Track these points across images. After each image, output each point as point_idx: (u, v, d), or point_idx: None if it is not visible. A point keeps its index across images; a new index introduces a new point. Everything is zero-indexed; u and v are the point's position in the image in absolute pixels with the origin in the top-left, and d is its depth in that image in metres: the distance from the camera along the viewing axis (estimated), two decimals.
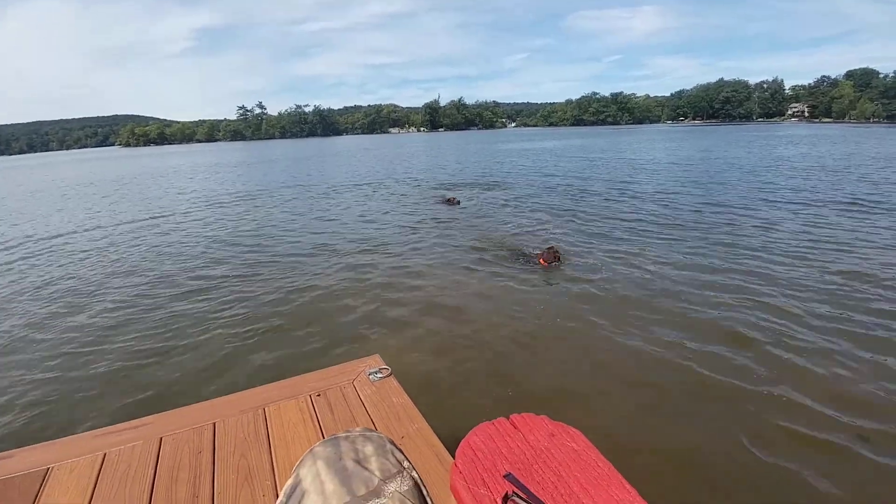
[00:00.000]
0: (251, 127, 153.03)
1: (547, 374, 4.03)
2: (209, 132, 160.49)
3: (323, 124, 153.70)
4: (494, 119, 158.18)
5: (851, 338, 4.39)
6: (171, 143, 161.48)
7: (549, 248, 6.97)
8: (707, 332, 4.60)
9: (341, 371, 2.66)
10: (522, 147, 41.45)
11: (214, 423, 2.20)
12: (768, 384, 3.70)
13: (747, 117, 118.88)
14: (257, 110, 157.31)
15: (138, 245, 9.50)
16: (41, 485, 1.85)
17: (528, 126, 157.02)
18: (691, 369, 3.96)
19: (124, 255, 8.68)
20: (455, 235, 8.98)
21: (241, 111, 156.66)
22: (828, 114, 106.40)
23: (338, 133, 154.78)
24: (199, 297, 6.17)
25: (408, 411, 2.29)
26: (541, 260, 6.85)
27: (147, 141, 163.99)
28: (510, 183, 16.95)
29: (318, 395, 2.41)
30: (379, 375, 2.57)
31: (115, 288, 6.76)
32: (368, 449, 0.62)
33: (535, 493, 0.79)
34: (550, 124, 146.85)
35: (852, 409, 3.38)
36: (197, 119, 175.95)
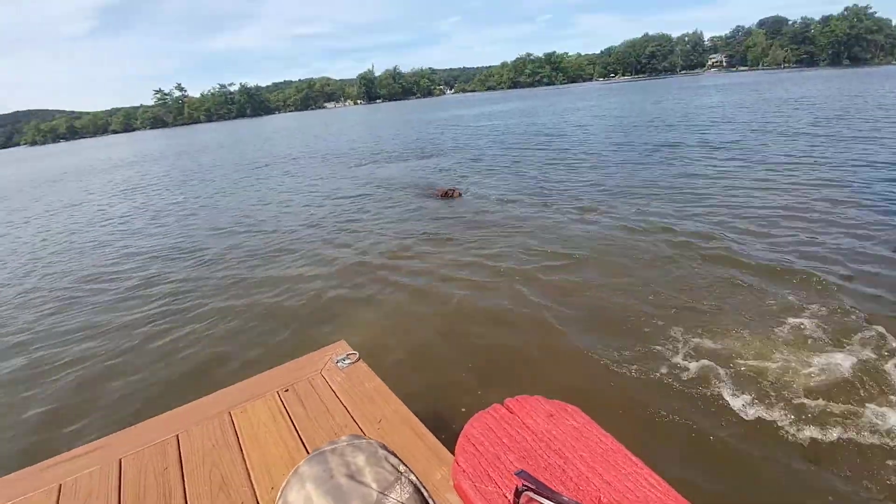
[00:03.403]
0: (172, 112, 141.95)
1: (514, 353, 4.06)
2: (125, 121, 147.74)
3: (252, 104, 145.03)
4: (432, 86, 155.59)
5: None
6: (83, 137, 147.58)
7: None
8: None
9: (307, 362, 2.58)
10: (474, 113, 41.02)
11: (177, 436, 2.08)
12: None
13: (671, 70, 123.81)
14: (177, 93, 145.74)
15: (67, 248, 8.70)
16: None
17: (467, 91, 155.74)
18: None
19: (52, 258, 7.94)
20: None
21: (158, 95, 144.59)
22: (743, 62, 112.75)
23: (269, 112, 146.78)
24: (146, 298, 5.77)
25: (382, 394, 2.26)
26: None
27: (56, 136, 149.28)
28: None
29: (286, 391, 2.33)
30: (347, 361, 2.52)
31: (50, 295, 6.19)
32: (360, 460, 0.58)
33: (543, 480, 0.77)
34: (488, 88, 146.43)
35: None
36: (110, 108, 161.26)
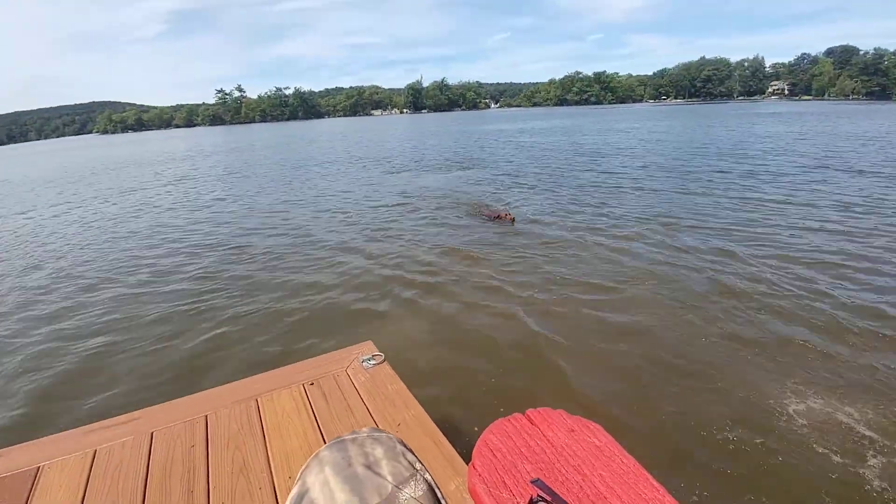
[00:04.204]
0: (230, 111, 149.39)
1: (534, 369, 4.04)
2: (187, 117, 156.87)
3: (304, 107, 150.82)
4: (477, 100, 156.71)
5: None
6: (148, 129, 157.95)
7: None
8: None
9: (334, 358, 2.63)
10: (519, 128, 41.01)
11: (206, 416, 2.17)
12: None
13: (728, 95, 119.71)
14: (236, 94, 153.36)
15: (119, 236, 9.28)
16: (32, 484, 1.81)
17: (512, 106, 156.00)
18: None
19: (100, 249, 8.49)
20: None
21: (219, 95, 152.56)
22: (808, 91, 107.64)
23: (319, 116, 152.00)
24: (187, 286, 6.06)
25: (403, 398, 2.28)
26: None
27: (125, 127, 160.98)
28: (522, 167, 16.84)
29: (312, 384, 2.38)
30: (372, 362, 2.56)
31: (98, 276, 6.61)
32: (378, 452, 0.60)
33: (560, 495, 0.75)
34: (534, 104, 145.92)
35: None
36: (175, 104, 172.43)
